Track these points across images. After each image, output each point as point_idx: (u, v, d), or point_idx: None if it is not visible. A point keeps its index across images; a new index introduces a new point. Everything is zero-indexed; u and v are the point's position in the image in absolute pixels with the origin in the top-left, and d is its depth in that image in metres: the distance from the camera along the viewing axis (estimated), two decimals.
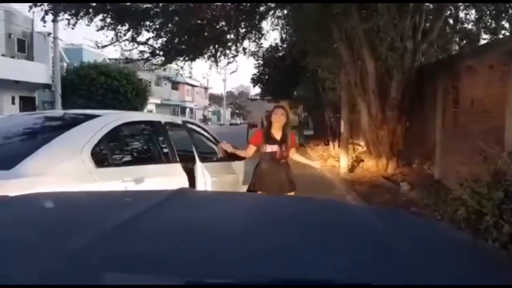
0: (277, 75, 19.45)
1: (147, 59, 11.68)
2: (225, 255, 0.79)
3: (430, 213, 5.24)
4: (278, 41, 19.54)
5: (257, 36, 12.98)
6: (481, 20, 8.27)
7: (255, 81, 22.74)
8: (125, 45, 10.92)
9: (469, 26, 9.52)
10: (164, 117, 3.92)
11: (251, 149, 4.12)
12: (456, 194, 4.60)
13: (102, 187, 2.56)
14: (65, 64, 21.95)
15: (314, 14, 9.43)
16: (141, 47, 11.05)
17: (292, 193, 3.99)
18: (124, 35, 10.31)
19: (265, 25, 46.30)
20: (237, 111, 66.67)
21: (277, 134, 4.00)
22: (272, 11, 12.35)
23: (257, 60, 20.03)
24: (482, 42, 9.03)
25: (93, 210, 1.19)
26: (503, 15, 7.18)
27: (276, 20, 14.73)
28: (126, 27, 10.10)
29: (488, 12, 8.17)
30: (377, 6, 7.99)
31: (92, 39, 19.54)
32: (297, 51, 12.93)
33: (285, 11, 13.28)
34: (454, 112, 6.88)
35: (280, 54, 19.29)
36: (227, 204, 1.41)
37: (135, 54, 12.04)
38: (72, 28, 9.79)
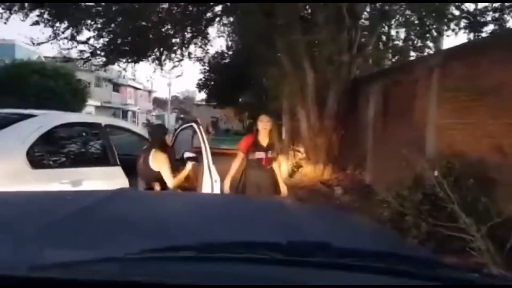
0: (222, 82, 19.55)
1: (87, 59, 11.21)
2: (159, 239, 0.87)
3: (360, 215, 5.62)
4: (224, 48, 19.72)
5: (203, 41, 13.01)
6: (409, 38, 9.06)
7: (200, 86, 22.65)
8: (63, 43, 10.40)
9: (400, 43, 10.35)
10: (104, 119, 3.84)
11: (240, 156, 4.18)
12: (382, 196, 5.01)
13: (38, 188, 2.49)
14: None
15: (259, 25, 9.72)
16: (81, 46, 10.59)
17: None
18: (63, 32, 9.80)
19: (212, 31, 46.07)
20: (182, 116, 65.64)
21: (264, 141, 4.15)
22: (218, 18, 12.48)
23: (203, 66, 20.00)
24: (411, 59, 9.85)
25: (30, 208, 1.19)
26: (427, 35, 7.95)
27: (222, 27, 14.89)
28: (65, 24, 9.65)
29: (415, 32, 8.98)
30: (318, 20, 8.42)
31: (26, 35, 18.34)
32: (242, 59, 13.18)
33: (231, 19, 13.50)
34: (384, 122, 7.44)
35: (226, 61, 19.47)
36: (165, 202, 1.50)
37: (74, 53, 11.51)
38: (5, 23, 9.17)
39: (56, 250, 0.77)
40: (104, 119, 3.84)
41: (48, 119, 3.02)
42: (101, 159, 3.33)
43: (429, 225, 4.09)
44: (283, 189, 4.32)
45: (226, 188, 4.05)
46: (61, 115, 3.36)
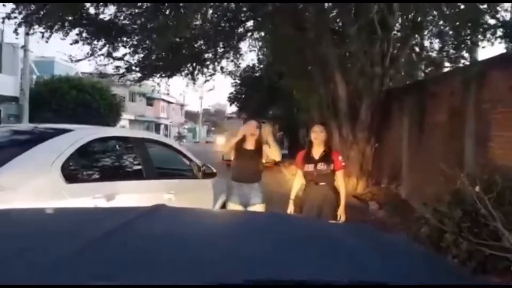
0: (253, 95, 19.73)
1: (122, 75, 11.60)
2: (202, 264, 0.84)
3: (397, 231, 5.43)
4: (255, 61, 19.90)
5: (235, 56, 13.18)
6: (443, 49, 8.81)
7: (231, 99, 22.97)
8: (100, 60, 10.83)
9: (434, 54, 10.07)
10: (140, 133, 3.90)
11: (298, 174, 3.79)
12: (420, 213, 4.82)
13: (72, 203, 2.52)
14: (34, 77, 21.32)
15: (290, 38, 9.75)
16: (117, 62, 10.97)
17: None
18: (100, 49, 10.24)
19: (243, 45, 46.73)
20: (213, 128, 66.57)
21: (316, 153, 3.66)
22: (250, 33, 12.62)
23: (234, 79, 20.27)
24: (446, 70, 9.57)
25: (63, 227, 1.18)
26: (463, 45, 7.72)
27: (253, 41, 15.05)
28: (102, 42, 10.05)
29: (450, 42, 8.73)
30: (349, 33, 8.36)
31: (65, 53, 19.23)
32: (273, 72, 13.23)
33: (262, 33, 13.62)
34: (419, 134, 7.21)
35: (257, 74, 19.64)
36: (202, 220, 1.44)
37: (110, 69, 11.95)
38: (46, 42, 9.64)
39: (74, 277, 0.73)
40: (140, 133, 3.91)
41: (84, 133, 3.05)
42: (136, 173, 3.35)
43: (470, 244, 3.89)
44: (341, 214, 3.63)
45: (290, 211, 3.70)
46: (96, 130, 3.39)
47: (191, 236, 1.11)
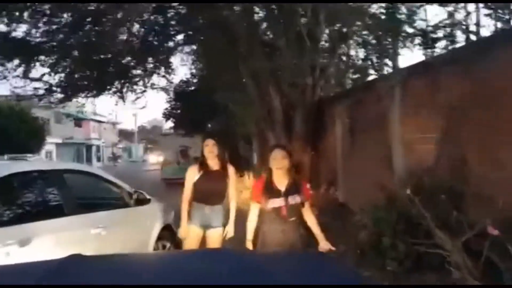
0: (189, 109, 19.40)
1: (42, 96, 10.69)
2: None
3: (336, 236, 5.50)
4: (188, 75, 19.64)
5: (166, 71, 12.83)
6: (368, 58, 9.30)
7: (167, 115, 22.39)
8: (15, 82, 9.90)
9: (359, 63, 10.60)
10: (58, 164, 3.53)
11: (254, 209, 3.08)
12: (357, 218, 4.94)
13: None
14: None
15: (222, 51, 9.71)
16: (36, 83, 10.10)
17: None
18: (14, 70, 9.36)
19: (174, 60, 46.11)
20: (149, 146, 64.62)
21: (280, 183, 3.02)
22: (180, 47, 12.39)
23: (168, 95, 19.81)
24: (371, 77, 10.10)
25: None
26: (385, 54, 8.20)
27: (185, 55, 14.82)
28: (17, 62, 9.22)
29: (373, 51, 9.25)
30: (279, 45, 8.50)
31: None
32: (208, 85, 13.08)
33: (194, 47, 13.47)
34: (351, 141, 7.47)
35: (192, 89, 19.36)
36: (124, 270, 1.29)
37: (28, 91, 10.96)
38: None
39: None
40: (57, 164, 3.53)
41: None
42: (55, 210, 2.99)
43: (406, 244, 4.03)
44: (327, 246, 3.04)
45: None
46: (1, 166, 2.95)
47: None
